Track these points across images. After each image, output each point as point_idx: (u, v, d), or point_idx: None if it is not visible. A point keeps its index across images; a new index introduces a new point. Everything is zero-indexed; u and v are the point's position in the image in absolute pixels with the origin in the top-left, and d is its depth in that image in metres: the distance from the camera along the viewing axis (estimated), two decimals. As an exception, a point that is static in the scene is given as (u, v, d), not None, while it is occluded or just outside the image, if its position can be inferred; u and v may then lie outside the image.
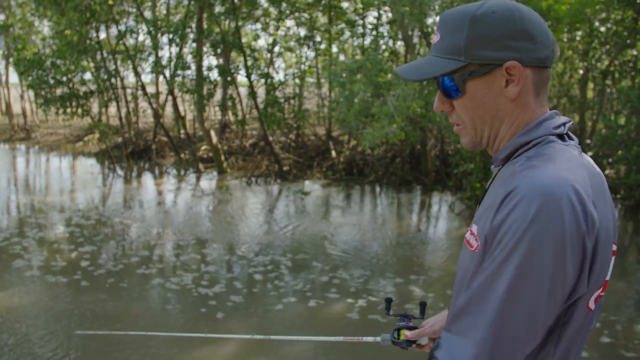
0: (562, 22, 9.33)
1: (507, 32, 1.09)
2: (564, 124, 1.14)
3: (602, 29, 12.08)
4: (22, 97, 21.35)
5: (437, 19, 1.27)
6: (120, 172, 14.07)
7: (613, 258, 1.11)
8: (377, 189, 12.22)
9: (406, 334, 1.46)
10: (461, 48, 1.12)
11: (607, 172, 10.83)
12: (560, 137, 1.13)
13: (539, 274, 0.96)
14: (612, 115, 10.45)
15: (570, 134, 1.16)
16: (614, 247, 1.10)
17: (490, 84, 1.12)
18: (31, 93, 17.95)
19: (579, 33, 11.57)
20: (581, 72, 12.61)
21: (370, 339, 1.62)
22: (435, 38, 1.19)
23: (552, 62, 1.15)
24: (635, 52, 12.45)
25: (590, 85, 13.55)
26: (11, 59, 18.68)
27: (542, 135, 1.11)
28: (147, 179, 13.54)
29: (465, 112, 1.17)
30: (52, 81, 13.13)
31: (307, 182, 12.64)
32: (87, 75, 14.61)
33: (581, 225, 0.97)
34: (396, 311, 1.58)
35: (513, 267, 0.96)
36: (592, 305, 1.07)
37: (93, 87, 14.50)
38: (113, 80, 14.47)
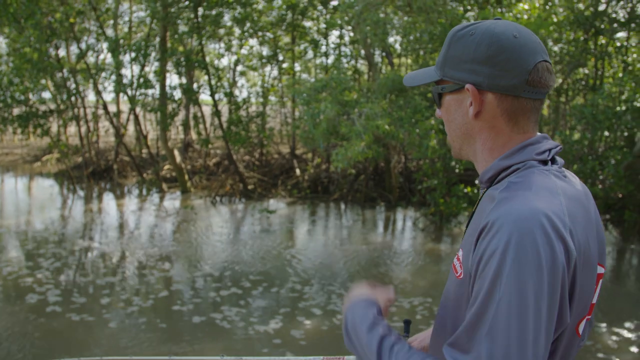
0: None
1: (473, 56, 1.11)
2: (549, 150, 1.14)
3: (556, 48, 12.56)
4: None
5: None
6: (80, 192, 13.77)
7: (600, 281, 1.12)
8: (342, 206, 12.30)
9: None
10: (440, 63, 1.18)
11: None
12: (544, 162, 1.12)
13: (520, 304, 0.94)
14: (567, 131, 10.84)
15: (557, 158, 1.17)
16: (601, 270, 1.11)
17: (459, 102, 1.16)
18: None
19: (534, 52, 11.96)
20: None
21: (352, 357, 1.54)
22: None
23: (537, 92, 1.11)
24: (586, 71, 12.99)
25: (546, 102, 14.02)
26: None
27: (524, 160, 1.11)
28: (109, 199, 13.30)
29: (445, 124, 1.23)
30: (9, 100, 12.82)
31: (272, 201, 12.63)
32: (46, 94, 14.33)
33: (556, 253, 0.96)
34: None
35: (496, 301, 0.95)
36: (580, 329, 1.10)
37: (52, 106, 14.21)
38: (73, 99, 14.22)
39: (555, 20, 11.92)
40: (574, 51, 11.99)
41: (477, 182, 1.27)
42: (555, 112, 13.40)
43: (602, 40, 12.50)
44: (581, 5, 12.26)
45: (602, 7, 11.46)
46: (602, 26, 11.46)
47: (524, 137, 1.14)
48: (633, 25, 11.42)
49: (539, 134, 1.17)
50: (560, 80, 12.95)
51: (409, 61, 14.40)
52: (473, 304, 0.99)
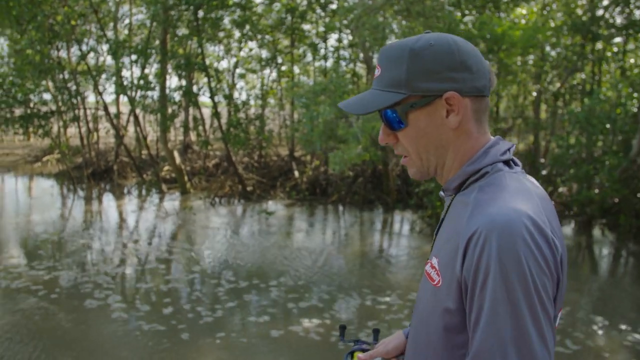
0: (516, 46, 9.77)
1: (446, 64, 1.11)
2: (508, 149, 1.17)
3: (553, 53, 12.67)
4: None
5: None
6: (81, 193, 13.85)
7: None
8: (340, 208, 12.39)
9: (359, 356, 1.44)
10: (402, 81, 1.14)
11: (560, 189, 11.28)
12: (507, 163, 1.15)
13: (518, 306, 0.96)
14: (564, 135, 10.94)
15: (515, 158, 1.19)
16: None
17: (431, 115, 1.14)
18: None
19: (532, 57, 12.11)
20: (534, 94, 13.16)
21: None
22: (376, 72, 1.21)
23: (490, 90, 1.18)
24: (583, 76, 13.10)
25: (543, 106, 14.14)
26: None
27: (490, 163, 1.13)
28: (109, 200, 13.38)
29: (409, 143, 1.19)
30: (11, 101, 12.91)
31: (270, 202, 12.71)
32: (47, 95, 14.43)
33: (544, 253, 0.99)
34: (353, 335, 1.55)
35: (504, 311, 0.97)
36: (556, 322, 1.13)
37: (53, 107, 14.31)
38: (74, 100, 14.32)
39: (552, 25, 12.03)
40: (571, 56, 12.10)
41: (440, 193, 1.25)
42: (552, 116, 13.49)
43: (599, 46, 12.62)
44: (579, 11, 12.38)
45: (599, 13, 11.57)
46: (600, 31, 11.57)
47: (486, 138, 1.18)
48: (630, 30, 11.53)
49: (491, 137, 1.21)
50: (558, 85, 13.06)
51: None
52: (477, 324, 1.00)
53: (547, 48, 12.34)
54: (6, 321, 5.49)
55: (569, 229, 10.22)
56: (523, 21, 11.62)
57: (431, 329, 1.13)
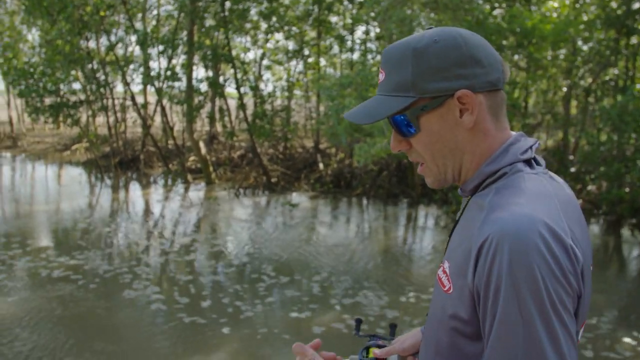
0: (546, 40, 9.57)
1: (454, 60, 1.04)
2: (530, 147, 1.09)
3: (585, 47, 12.38)
4: (8, 105, 21.26)
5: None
6: (108, 181, 14.05)
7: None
8: (364, 201, 12.34)
9: (375, 352, 1.41)
10: (409, 83, 1.06)
11: (589, 187, 11.06)
12: (528, 162, 1.08)
13: (531, 324, 0.91)
14: (595, 132, 10.70)
15: (537, 157, 1.11)
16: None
17: (444, 116, 1.07)
18: (18, 101, 17.95)
19: (563, 51, 11.85)
20: (565, 89, 12.89)
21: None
22: (380, 77, 1.13)
23: (504, 82, 1.10)
24: (616, 71, 12.78)
25: (574, 102, 13.85)
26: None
27: (510, 162, 1.06)
28: (135, 188, 13.55)
29: (423, 148, 1.11)
30: (41, 90, 13.17)
31: (294, 194, 12.73)
32: (77, 85, 14.67)
33: (561, 263, 0.92)
34: (370, 330, 1.50)
35: (514, 329, 0.92)
36: (579, 336, 1.05)
37: (82, 97, 14.54)
38: (102, 90, 14.52)
39: (585, 18, 11.75)
40: (604, 51, 11.81)
41: (459, 192, 1.19)
42: (583, 112, 13.21)
43: (634, 40, 12.28)
44: (613, 4, 12.05)
45: (635, 6, 11.23)
46: (635, 25, 11.25)
47: (505, 135, 1.10)
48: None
49: (512, 132, 1.12)
50: (590, 80, 12.77)
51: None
52: (488, 340, 0.95)
53: (579, 42, 12.06)
54: (43, 309, 5.60)
55: (597, 228, 10.03)
56: (554, 14, 11.36)
57: (441, 335, 1.08)
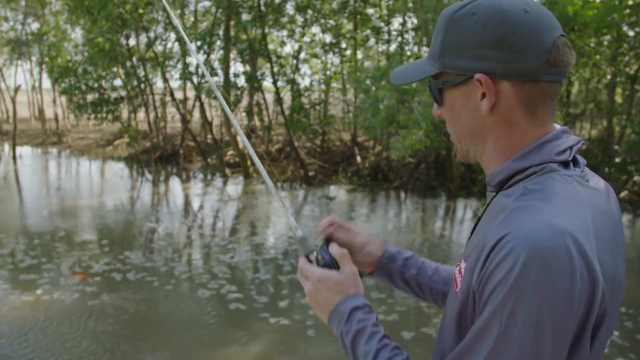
0: (589, 27, 9.28)
1: (481, 39, 0.94)
2: (570, 147, 0.98)
3: (631, 32, 11.95)
4: (54, 102, 21.91)
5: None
6: (148, 176, 14.35)
7: None
8: (402, 194, 12.25)
9: (332, 248, 1.30)
10: (437, 54, 1.01)
11: (635, 178, 10.71)
12: (565, 163, 0.97)
13: (520, 345, 0.83)
14: (641, 121, 10.34)
15: (578, 157, 1.01)
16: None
17: (467, 96, 0.99)
18: (63, 98, 18.48)
19: (607, 38, 11.46)
20: (609, 77, 12.49)
21: None
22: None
23: (558, 73, 0.96)
24: (665, 58, 12.30)
25: (619, 90, 13.40)
26: (44, 66, 19.21)
27: (542, 162, 0.95)
28: (175, 183, 13.79)
29: (448, 122, 1.07)
30: (84, 87, 13.52)
31: (332, 188, 12.73)
32: (117, 82, 15.01)
33: (577, 285, 0.82)
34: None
35: (494, 334, 0.85)
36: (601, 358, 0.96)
37: (123, 93, 14.88)
38: (142, 86, 14.81)
39: (630, 2, 11.33)
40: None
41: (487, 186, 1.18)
42: (628, 100, 12.77)
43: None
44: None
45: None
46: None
47: (542, 130, 0.98)
48: None
49: (557, 126, 1.01)
50: (636, 67, 12.34)
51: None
52: (470, 334, 0.90)
53: (625, 27, 11.65)
54: (74, 298, 5.77)
55: (643, 220, 9.71)
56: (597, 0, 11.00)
57: (445, 339, 1.02)
